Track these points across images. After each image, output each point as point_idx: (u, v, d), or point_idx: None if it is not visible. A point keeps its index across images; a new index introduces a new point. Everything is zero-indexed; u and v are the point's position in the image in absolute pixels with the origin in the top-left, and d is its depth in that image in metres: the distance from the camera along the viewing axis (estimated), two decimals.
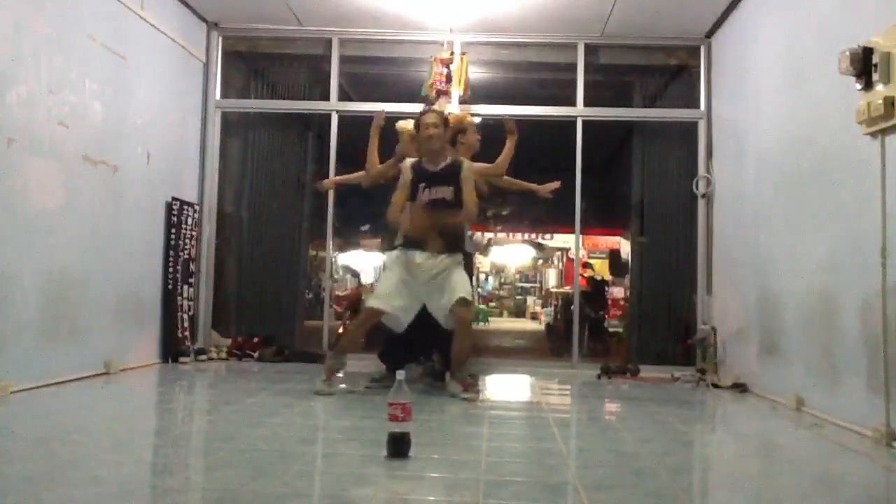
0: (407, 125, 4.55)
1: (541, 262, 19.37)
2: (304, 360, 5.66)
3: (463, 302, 4.00)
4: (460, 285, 4.04)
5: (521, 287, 20.52)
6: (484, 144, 4.82)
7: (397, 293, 4.06)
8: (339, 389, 4.19)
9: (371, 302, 4.17)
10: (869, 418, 3.17)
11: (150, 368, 5.09)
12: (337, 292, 8.09)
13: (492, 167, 4.60)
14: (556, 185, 4.85)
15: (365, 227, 13.77)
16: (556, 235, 16.43)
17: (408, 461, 2.52)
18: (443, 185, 4.06)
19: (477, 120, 5.39)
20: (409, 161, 4.23)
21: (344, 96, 6.37)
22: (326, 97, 6.21)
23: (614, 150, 8.95)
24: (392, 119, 4.72)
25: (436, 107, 4.41)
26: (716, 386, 4.92)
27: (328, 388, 4.02)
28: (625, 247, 11.87)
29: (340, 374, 4.34)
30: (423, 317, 4.11)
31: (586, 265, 10.10)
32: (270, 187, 6.63)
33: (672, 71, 6.42)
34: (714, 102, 5.90)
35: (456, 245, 4.19)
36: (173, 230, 5.52)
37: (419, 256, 4.07)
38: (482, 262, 17.95)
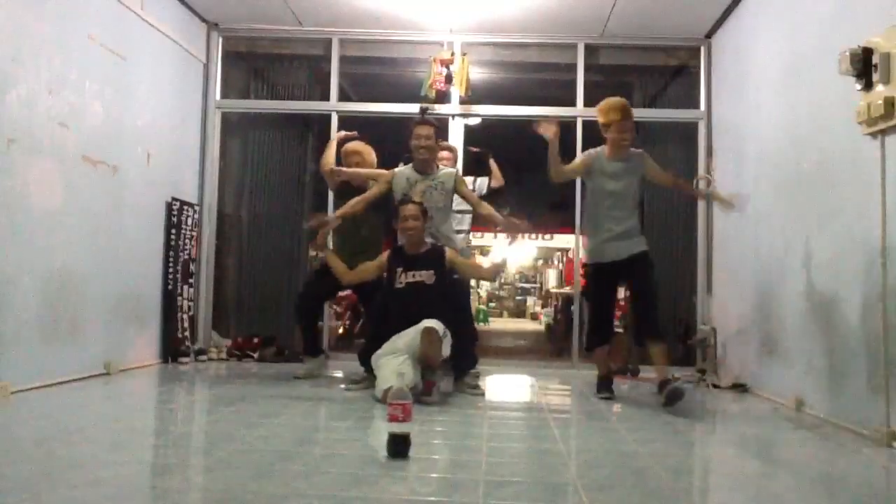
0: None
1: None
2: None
3: (427, 331, 3.85)
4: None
5: (521, 287, 20.54)
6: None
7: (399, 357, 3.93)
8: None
9: (388, 383, 3.71)
10: (869, 419, 3.17)
11: (150, 369, 5.09)
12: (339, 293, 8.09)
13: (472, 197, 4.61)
14: (521, 225, 4.49)
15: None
16: (556, 235, 16.43)
17: (408, 461, 2.52)
18: (423, 269, 4.13)
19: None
20: (390, 251, 4.28)
21: (344, 97, 6.37)
22: (326, 97, 6.21)
23: None
24: (391, 121, 4.74)
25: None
26: (716, 386, 4.92)
27: (434, 398, 3.87)
28: None
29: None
30: (405, 319, 4.04)
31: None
32: (270, 187, 6.63)
33: (672, 71, 6.42)
34: (714, 102, 5.90)
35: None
36: (173, 230, 5.52)
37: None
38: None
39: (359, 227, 4.69)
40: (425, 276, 4.12)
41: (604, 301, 4.34)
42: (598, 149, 4.33)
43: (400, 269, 4.15)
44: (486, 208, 4.49)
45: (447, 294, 4.19)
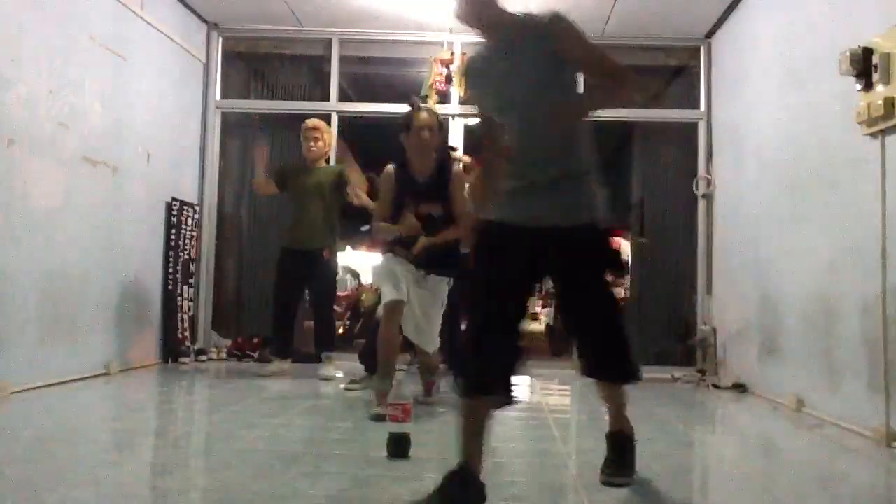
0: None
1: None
2: (304, 360, 5.66)
3: (427, 354, 3.82)
4: (430, 333, 3.72)
5: None
6: None
7: (400, 280, 3.56)
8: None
9: (387, 297, 3.54)
10: (869, 419, 3.17)
11: (150, 369, 5.09)
12: (337, 293, 8.10)
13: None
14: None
15: (365, 228, 13.77)
16: None
17: (408, 462, 2.52)
18: (431, 200, 3.58)
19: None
20: (390, 167, 3.74)
21: (344, 97, 6.37)
22: (326, 98, 6.21)
23: (614, 151, 8.95)
24: (391, 121, 4.71)
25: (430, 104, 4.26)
26: (716, 386, 4.93)
27: (384, 411, 3.34)
28: (625, 247, 11.87)
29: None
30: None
31: None
32: None
33: (672, 71, 6.42)
34: (714, 103, 5.90)
35: (447, 265, 3.66)
36: (173, 230, 5.52)
37: (408, 267, 3.62)
38: None
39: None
40: (434, 208, 3.59)
41: (498, 295, 2.11)
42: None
43: (408, 201, 3.58)
44: None
45: (454, 221, 3.64)
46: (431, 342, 3.77)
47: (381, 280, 3.70)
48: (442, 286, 3.69)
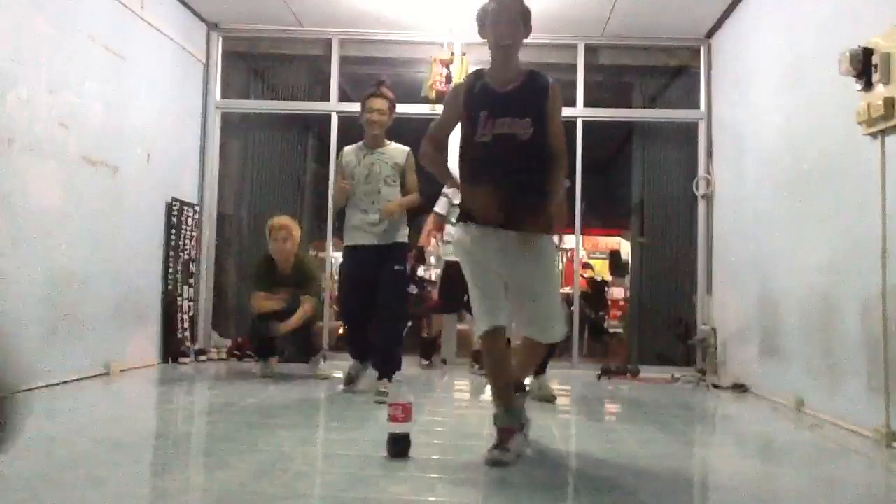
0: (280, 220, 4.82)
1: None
2: (304, 360, 5.65)
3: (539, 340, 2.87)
4: (544, 310, 2.75)
5: None
6: None
7: (495, 286, 2.71)
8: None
9: (482, 324, 2.69)
10: (869, 419, 3.17)
11: (150, 369, 5.09)
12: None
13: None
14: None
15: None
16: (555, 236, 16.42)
17: (408, 461, 2.52)
18: (517, 116, 2.60)
19: None
20: (461, 82, 2.94)
21: (344, 97, 6.37)
22: (326, 98, 6.22)
23: (614, 151, 8.95)
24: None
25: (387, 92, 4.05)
26: (716, 386, 4.93)
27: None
28: (625, 247, 11.88)
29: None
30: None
31: (586, 266, 10.09)
32: (270, 188, 6.63)
33: (672, 71, 6.42)
34: (714, 102, 5.90)
35: (542, 217, 2.65)
36: (173, 231, 5.52)
37: (492, 238, 2.63)
38: None
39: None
40: (520, 127, 2.59)
41: None
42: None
43: (485, 114, 2.62)
44: (411, 200, 4.10)
45: (536, 167, 2.62)
46: (550, 328, 2.81)
47: (471, 285, 2.74)
48: (544, 246, 2.68)
